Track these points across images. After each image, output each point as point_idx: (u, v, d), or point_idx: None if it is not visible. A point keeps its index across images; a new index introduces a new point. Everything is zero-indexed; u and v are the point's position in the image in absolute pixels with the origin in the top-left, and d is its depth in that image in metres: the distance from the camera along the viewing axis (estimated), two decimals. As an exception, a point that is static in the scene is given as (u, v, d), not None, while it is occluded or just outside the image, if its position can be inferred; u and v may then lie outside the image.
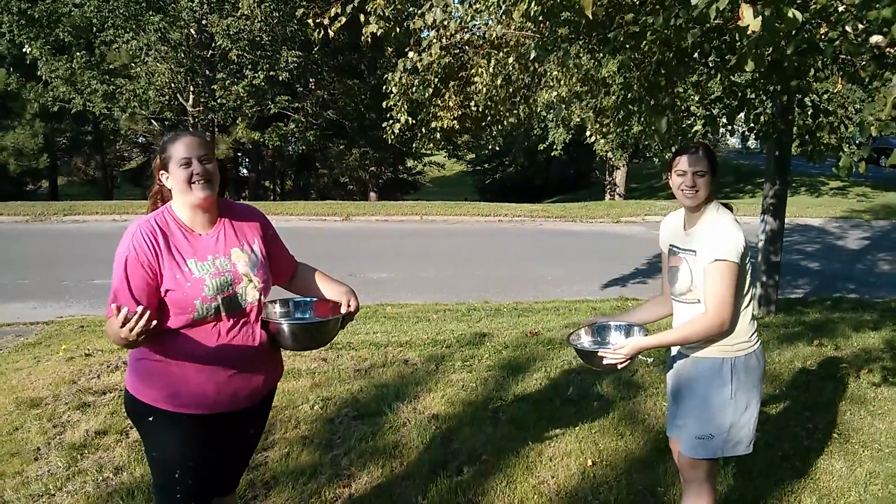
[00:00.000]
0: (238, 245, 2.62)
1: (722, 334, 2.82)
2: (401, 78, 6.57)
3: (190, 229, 2.54)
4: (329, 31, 5.85)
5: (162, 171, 2.54)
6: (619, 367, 2.95)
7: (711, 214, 2.89)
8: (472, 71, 6.87)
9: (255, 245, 2.68)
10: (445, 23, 5.93)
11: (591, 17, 3.56)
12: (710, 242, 2.80)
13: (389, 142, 7.48)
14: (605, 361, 2.93)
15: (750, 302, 2.89)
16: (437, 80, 6.81)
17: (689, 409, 2.96)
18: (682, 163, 2.87)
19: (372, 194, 31.66)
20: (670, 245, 3.05)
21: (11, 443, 4.38)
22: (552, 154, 27.64)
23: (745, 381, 2.85)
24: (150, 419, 2.53)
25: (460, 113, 7.16)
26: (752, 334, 2.89)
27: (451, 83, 7.13)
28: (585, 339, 3.25)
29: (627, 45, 4.85)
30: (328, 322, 2.78)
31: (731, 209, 2.97)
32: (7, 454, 4.21)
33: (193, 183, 2.48)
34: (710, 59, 5.53)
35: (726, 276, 2.75)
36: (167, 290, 2.43)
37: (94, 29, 22.64)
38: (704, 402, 2.90)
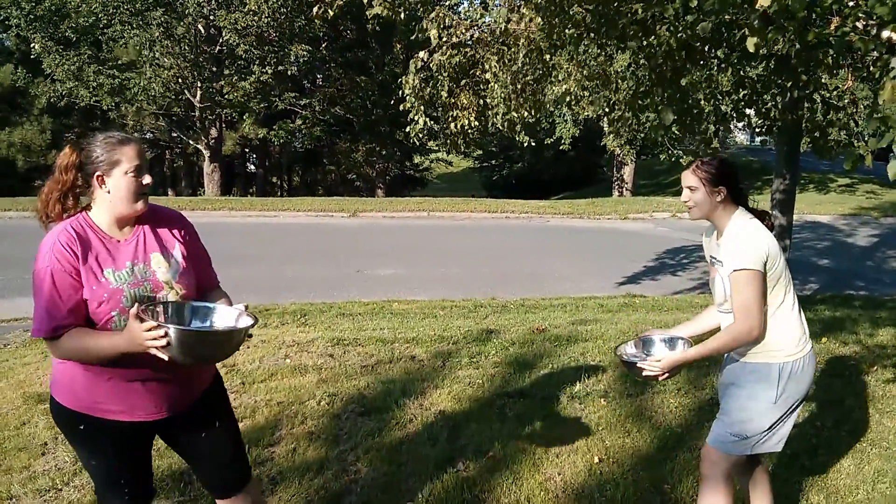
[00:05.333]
0: (158, 250, 2.46)
1: (756, 341, 2.83)
2: (413, 79, 6.55)
3: (108, 236, 2.38)
4: (329, 10, 5.82)
5: (99, 175, 2.33)
6: (661, 379, 2.97)
7: (735, 222, 2.90)
8: (484, 67, 6.84)
9: (175, 251, 2.50)
10: (456, 21, 5.92)
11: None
12: (730, 252, 2.82)
13: (415, 143, 7.43)
14: (644, 374, 2.95)
15: (793, 307, 2.89)
16: (449, 79, 6.78)
17: (732, 406, 2.96)
18: (683, 177, 2.96)
19: (379, 190, 31.69)
20: (709, 255, 3.09)
21: (19, 437, 4.38)
22: (560, 149, 27.66)
23: (791, 387, 2.85)
24: (81, 427, 2.44)
25: (477, 111, 7.13)
26: (801, 340, 2.88)
27: (463, 81, 7.10)
28: (631, 351, 3.21)
29: (637, 36, 4.83)
30: (231, 332, 2.36)
31: (762, 215, 2.98)
32: (14, 449, 4.22)
33: (141, 195, 2.37)
34: (719, 51, 5.51)
35: (747, 284, 2.75)
36: (85, 301, 2.29)
37: (101, 24, 22.69)
38: (749, 401, 2.90)
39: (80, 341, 2.26)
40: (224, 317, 2.46)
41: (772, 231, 2.92)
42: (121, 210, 2.37)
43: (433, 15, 6.07)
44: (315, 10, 5.96)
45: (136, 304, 2.24)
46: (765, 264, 2.77)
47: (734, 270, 2.77)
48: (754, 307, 2.76)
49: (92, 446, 2.50)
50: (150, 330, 2.12)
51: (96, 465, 2.53)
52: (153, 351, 2.15)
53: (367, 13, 5.82)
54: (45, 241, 2.31)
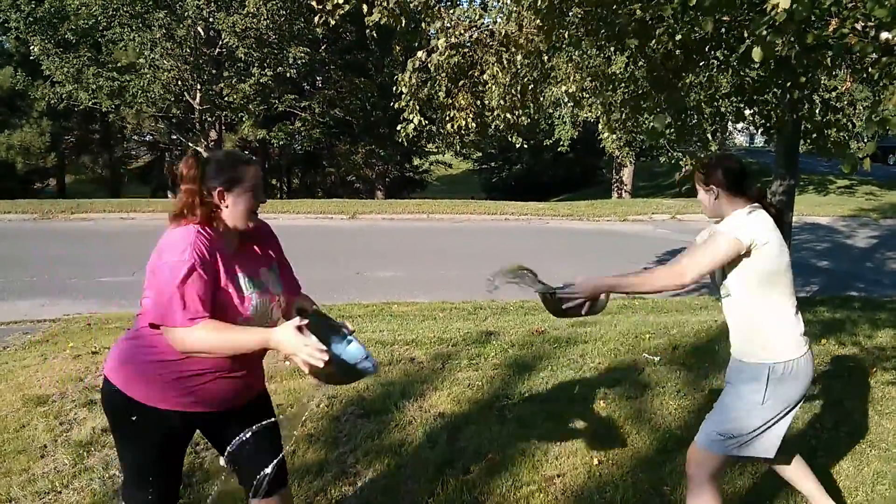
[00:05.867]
0: (265, 265, 2.65)
1: (749, 340, 2.88)
2: (410, 78, 6.54)
3: (225, 248, 2.50)
4: (331, 19, 5.82)
5: (221, 190, 2.46)
6: (583, 310, 2.95)
7: (734, 213, 2.95)
8: (482, 68, 6.84)
9: (274, 264, 2.71)
10: (455, 22, 5.92)
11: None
12: (720, 224, 2.92)
13: (405, 144, 7.43)
14: (564, 306, 2.93)
15: (790, 309, 2.90)
16: (447, 79, 6.78)
17: (721, 404, 2.98)
18: None
19: (378, 192, 31.66)
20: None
21: (18, 440, 4.38)
22: (558, 150, 27.68)
23: (781, 391, 2.85)
24: (133, 418, 2.50)
25: (474, 112, 7.12)
26: (794, 343, 2.87)
27: (462, 82, 7.10)
28: (533, 282, 3.08)
29: (634, 36, 4.83)
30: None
31: (774, 211, 3.00)
32: (14, 451, 4.22)
33: (254, 213, 2.54)
34: (718, 52, 5.51)
35: (713, 243, 2.83)
36: (215, 301, 2.42)
37: (101, 27, 22.68)
38: (736, 400, 2.92)
39: (220, 332, 2.35)
40: (356, 352, 2.64)
41: (778, 222, 2.94)
42: (233, 224, 2.51)
43: (439, 24, 6.08)
44: (317, 19, 5.96)
45: (298, 317, 2.38)
46: (750, 246, 2.78)
47: (714, 233, 2.87)
48: (702, 261, 2.82)
49: (137, 438, 2.55)
50: (313, 348, 2.27)
51: (133, 457, 2.59)
52: (299, 363, 2.31)
53: (367, 20, 5.82)
54: (175, 238, 2.40)
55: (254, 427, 2.61)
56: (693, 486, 3.02)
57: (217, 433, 2.75)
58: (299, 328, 2.29)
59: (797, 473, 3.35)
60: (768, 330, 2.86)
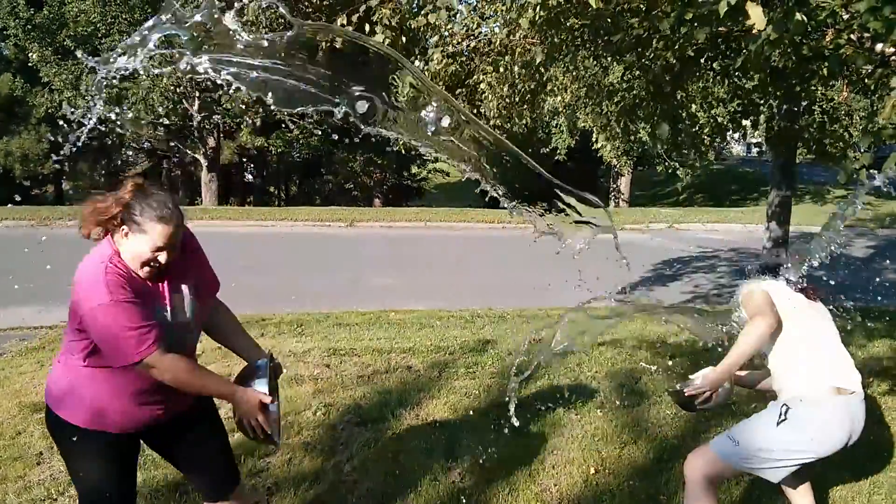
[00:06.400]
0: (179, 291, 2.56)
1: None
2: (407, 87, 6.55)
3: (137, 276, 2.45)
4: (335, 43, 5.85)
5: (123, 227, 2.42)
6: (711, 401, 3.14)
7: None
8: (479, 77, 6.86)
9: (189, 284, 2.61)
10: (450, 28, 5.94)
11: (595, 6, 3.57)
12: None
13: (403, 152, 7.44)
14: (697, 402, 3.12)
15: (811, 358, 3.04)
16: (444, 88, 6.79)
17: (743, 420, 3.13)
18: None
19: (376, 200, 31.71)
20: None
21: (14, 447, 4.38)
22: (556, 159, 27.71)
23: (798, 421, 2.91)
24: (74, 439, 2.52)
25: None
26: (818, 388, 2.97)
27: (459, 91, 7.11)
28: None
29: (633, 50, 4.86)
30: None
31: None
32: (10, 458, 4.21)
33: (146, 269, 2.43)
34: (715, 63, 5.53)
35: (752, 298, 3.12)
36: None
37: (99, 34, 22.71)
38: (755, 417, 3.07)
39: (193, 368, 2.49)
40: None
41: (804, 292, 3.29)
42: (132, 267, 2.43)
43: (436, 38, 6.10)
44: (323, 45, 5.99)
45: (265, 391, 2.59)
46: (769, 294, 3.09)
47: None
48: (758, 308, 3.02)
49: (84, 458, 2.57)
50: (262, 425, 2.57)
51: (84, 477, 2.60)
52: (241, 421, 2.59)
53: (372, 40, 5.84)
54: (87, 278, 2.42)
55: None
56: (689, 485, 3.06)
57: (160, 446, 2.81)
58: (264, 407, 2.56)
59: (797, 486, 3.38)
60: (782, 372, 3.12)
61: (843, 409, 2.94)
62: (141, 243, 2.39)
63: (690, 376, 3.21)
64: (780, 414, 2.93)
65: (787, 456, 2.91)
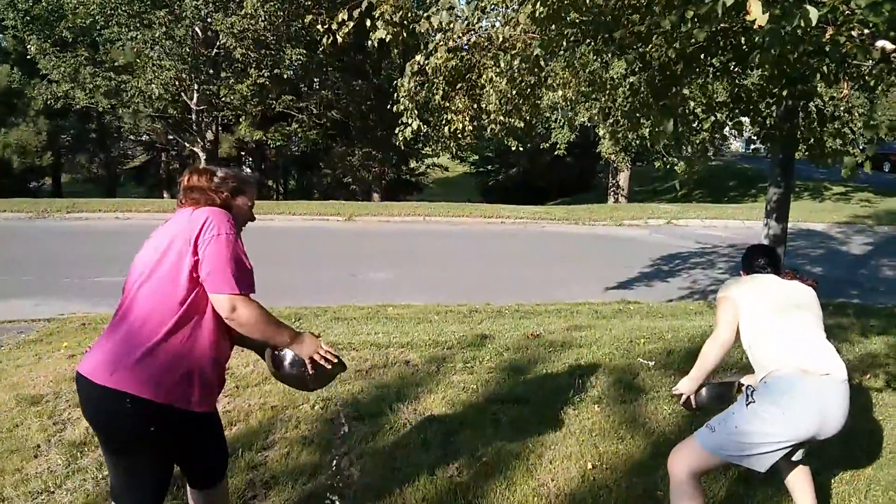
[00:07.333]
0: None
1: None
2: (409, 82, 6.54)
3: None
4: (337, 36, 5.84)
5: (228, 194, 2.72)
6: (682, 402, 3.45)
7: None
8: (479, 72, 6.84)
9: None
10: (451, 25, 5.91)
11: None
12: None
13: (402, 146, 7.43)
14: (673, 393, 3.49)
15: (781, 344, 3.11)
16: (444, 83, 6.78)
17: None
18: None
19: (375, 195, 31.64)
20: None
21: (11, 440, 4.37)
22: (555, 154, 27.70)
23: (765, 396, 3.01)
24: (153, 429, 2.48)
25: (471, 115, 7.11)
26: (783, 369, 3.04)
27: (459, 85, 7.10)
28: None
29: (634, 47, 4.84)
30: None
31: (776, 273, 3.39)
32: (7, 451, 4.21)
33: (244, 226, 2.82)
34: (715, 60, 5.52)
35: (717, 307, 3.30)
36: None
37: (98, 26, 22.65)
38: (731, 405, 3.21)
39: (266, 314, 2.58)
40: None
41: (801, 281, 3.37)
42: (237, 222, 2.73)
43: (440, 36, 6.08)
44: (324, 40, 5.98)
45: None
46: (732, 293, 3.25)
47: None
48: (717, 323, 3.24)
49: (156, 447, 2.56)
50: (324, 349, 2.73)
51: (148, 469, 2.59)
52: (316, 356, 2.71)
53: (371, 36, 5.82)
54: (218, 214, 2.58)
55: None
56: (673, 481, 3.11)
57: (205, 431, 2.78)
58: (315, 335, 2.77)
59: (798, 485, 3.41)
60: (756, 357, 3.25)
61: (810, 388, 2.97)
62: (245, 204, 2.79)
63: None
64: (748, 396, 3.07)
65: (761, 439, 2.95)
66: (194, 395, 2.53)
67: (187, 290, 2.47)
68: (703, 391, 3.39)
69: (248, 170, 38.27)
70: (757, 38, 3.20)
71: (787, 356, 3.04)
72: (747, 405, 3.03)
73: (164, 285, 2.48)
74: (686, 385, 3.34)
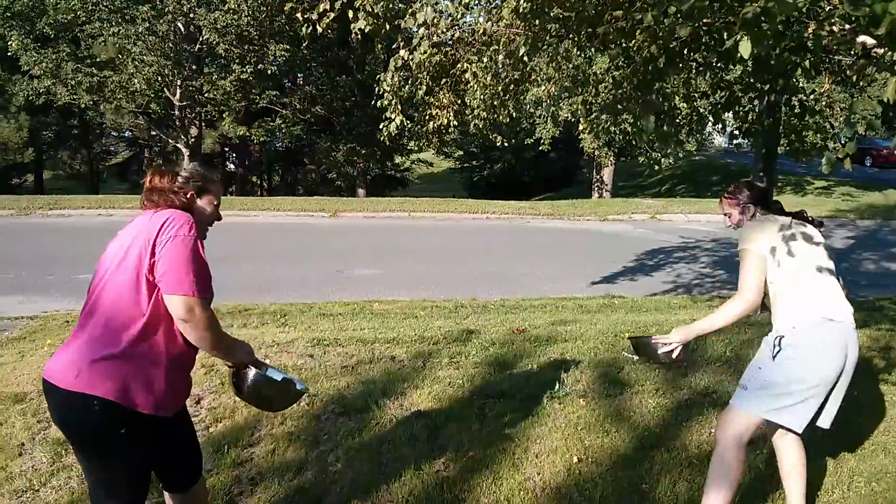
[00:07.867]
0: None
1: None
2: (392, 77, 6.52)
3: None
4: (318, 26, 5.82)
5: (192, 194, 2.71)
6: (676, 354, 3.39)
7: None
8: (462, 67, 6.84)
9: None
10: (436, 20, 5.91)
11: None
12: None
13: (387, 142, 7.43)
14: (660, 350, 3.40)
15: (804, 291, 3.16)
16: (428, 78, 6.78)
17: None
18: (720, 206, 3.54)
19: (360, 190, 31.57)
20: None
21: (-5, 438, 4.35)
22: (540, 150, 27.75)
23: (794, 350, 3.07)
24: (123, 430, 2.46)
25: (455, 110, 7.12)
26: (809, 317, 3.12)
27: (443, 80, 7.10)
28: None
29: (616, 42, 4.86)
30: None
31: (796, 215, 3.38)
32: (-10, 449, 4.18)
33: (210, 226, 2.81)
34: (698, 55, 5.54)
35: (743, 261, 3.18)
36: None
37: (80, 21, 22.48)
38: (755, 359, 3.23)
39: (219, 327, 2.60)
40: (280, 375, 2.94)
41: (814, 224, 3.38)
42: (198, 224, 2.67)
43: (423, 31, 6.07)
44: (304, 29, 5.95)
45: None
46: (759, 245, 3.16)
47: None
48: (746, 282, 3.14)
49: (129, 450, 2.52)
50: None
51: (119, 472, 2.55)
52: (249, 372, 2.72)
53: (352, 27, 5.80)
54: (180, 216, 2.55)
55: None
56: (716, 451, 3.18)
57: (163, 434, 2.73)
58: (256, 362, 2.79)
59: (793, 471, 3.49)
60: (780, 306, 3.23)
61: (836, 334, 3.12)
62: (207, 204, 2.76)
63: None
64: (774, 346, 3.11)
65: (793, 388, 3.05)
66: (161, 399, 2.51)
67: (148, 294, 2.45)
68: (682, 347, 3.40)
69: (232, 166, 38.21)
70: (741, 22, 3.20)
71: (814, 304, 3.13)
72: (774, 357, 3.09)
73: (125, 289, 2.46)
74: (681, 335, 3.34)
